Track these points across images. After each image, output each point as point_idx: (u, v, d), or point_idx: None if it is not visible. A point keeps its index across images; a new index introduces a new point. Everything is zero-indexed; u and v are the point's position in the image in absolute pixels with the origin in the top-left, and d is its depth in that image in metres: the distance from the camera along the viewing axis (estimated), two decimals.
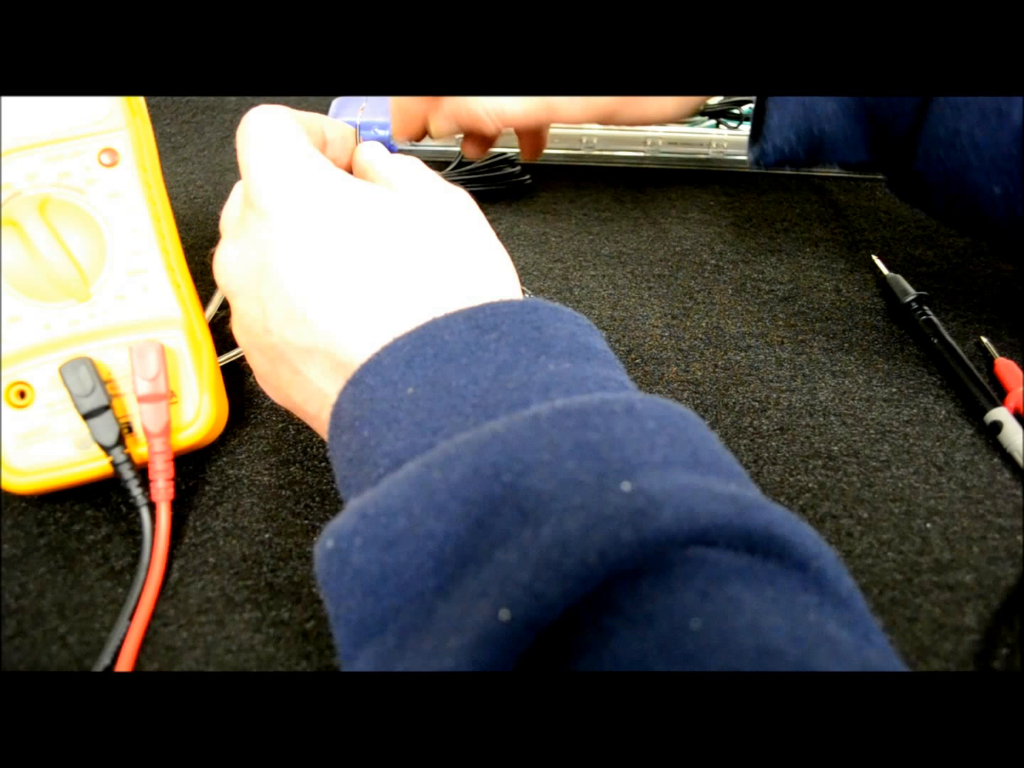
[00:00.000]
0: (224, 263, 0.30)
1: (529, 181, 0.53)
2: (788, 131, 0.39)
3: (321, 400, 0.28)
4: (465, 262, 0.27)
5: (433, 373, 0.24)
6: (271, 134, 0.29)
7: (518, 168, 0.53)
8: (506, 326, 0.25)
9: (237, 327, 0.30)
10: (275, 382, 0.30)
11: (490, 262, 0.28)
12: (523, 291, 0.29)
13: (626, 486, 0.20)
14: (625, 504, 0.19)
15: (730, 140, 0.55)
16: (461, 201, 0.29)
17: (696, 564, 0.19)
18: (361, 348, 0.26)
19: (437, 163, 0.50)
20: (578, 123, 0.40)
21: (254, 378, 0.41)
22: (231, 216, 0.32)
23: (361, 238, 0.27)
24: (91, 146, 0.34)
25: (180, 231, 0.37)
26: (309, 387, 0.28)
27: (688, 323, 0.45)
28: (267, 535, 0.34)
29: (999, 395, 0.40)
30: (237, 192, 0.32)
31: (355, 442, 0.25)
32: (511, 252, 0.29)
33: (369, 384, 0.25)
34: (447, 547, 0.20)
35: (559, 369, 0.24)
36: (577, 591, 0.18)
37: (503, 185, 0.53)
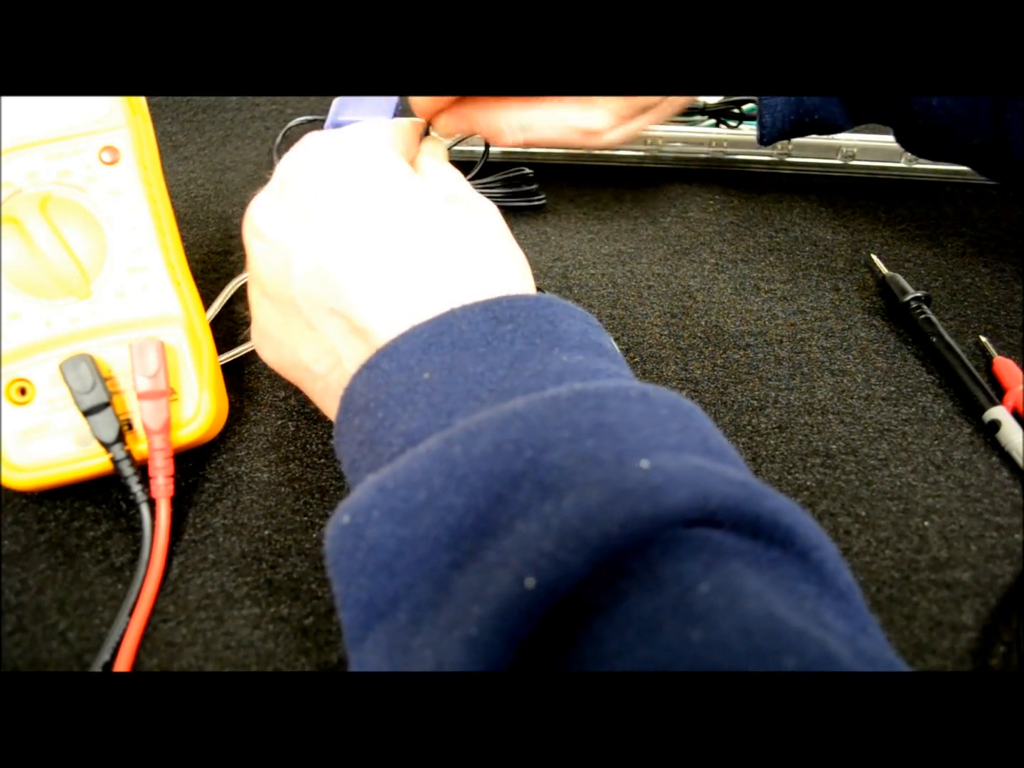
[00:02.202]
0: (257, 212, 0.30)
1: (543, 201, 0.53)
2: (782, 124, 0.44)
3: (333, 359, 0.28)
4: (488, 261, 0.28)
5: (450, 360, 0.25)
6: (361, 130, 0.31)
7: (535, 186, 0.53)
8: (522, 318, 0.26)
9: (253, 275, 0.31)
10: (281, 336, 0.30)
11: (509, 263, 0.29)
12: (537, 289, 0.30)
13: (644, 464, 0.20)
14: (644, 480, 0.20)
15: (730, 139, 0.55)
16: (488, 208, 0.31)
17: (701, 541, 0.20)
18: (381, 321, 0.26)
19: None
20: (611, 143, 0.41)
21: (254, 376, 0.41)
22: (285, 168, 0.31)
23: (393, 222, 0.28)
24: (92, 144, 0.34)
25: (180, 229, 0.37)
26: (323, 344, 0.28)
27: (687, 322, 0.45)
28: (266, 532, 0.34)
29: (998, 394, 0.40)
30: (307, 145, 0.31)
31: (368, 423, 0.25)
32: None
33: (385, 368, 0.25)
34: (466, 521, 0.21)
35: (572, 361, 0.25)
36: (596, 560, 0.19)
37: (517, 201, 0.53)
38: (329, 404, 0.30)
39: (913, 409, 0.40)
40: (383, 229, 0.28)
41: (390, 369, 0.25)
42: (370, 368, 0.26)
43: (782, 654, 0.17)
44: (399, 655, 0.20)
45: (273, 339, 0.30)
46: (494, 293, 0.27)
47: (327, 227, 0.28)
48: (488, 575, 0.19)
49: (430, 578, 0.21)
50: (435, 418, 0.24)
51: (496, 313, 0.26)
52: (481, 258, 0.28)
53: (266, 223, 0.29)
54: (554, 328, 0.26)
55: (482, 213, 0.30)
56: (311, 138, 0.31)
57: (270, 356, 0.31)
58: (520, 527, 0.20)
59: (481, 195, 0.32)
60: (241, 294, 0.44)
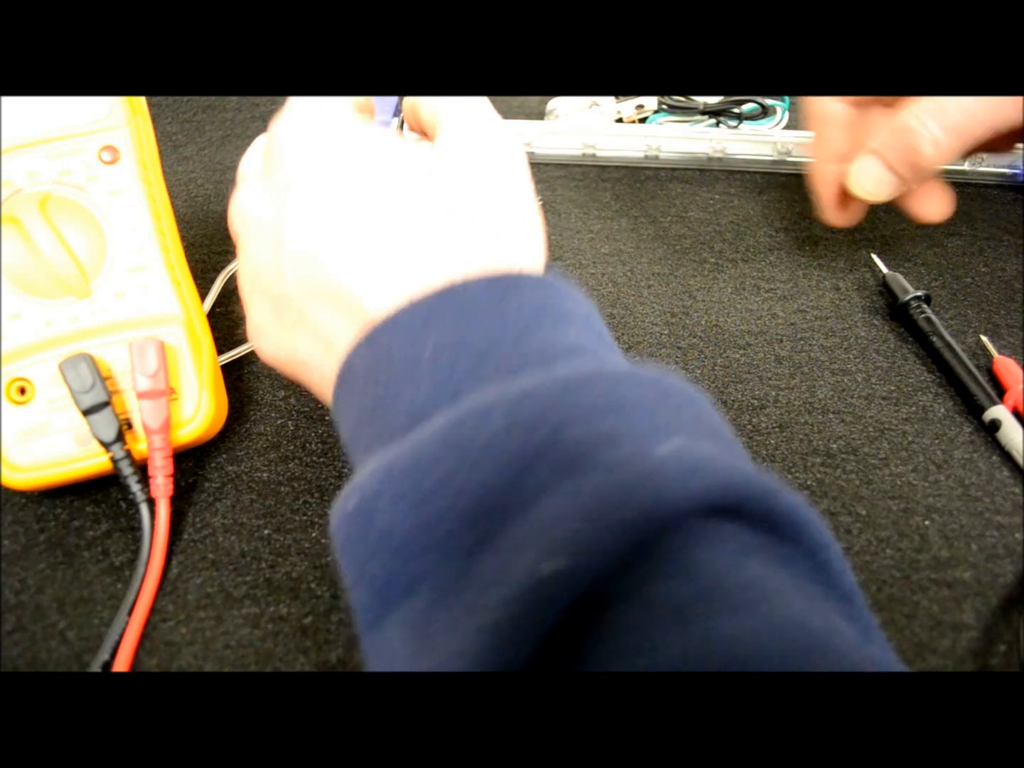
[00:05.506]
0: (241, 203, 0.30)
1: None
2: None
3: (326, 346, 0.27)
4: (491, 228, 0.27)
5: (452, 334, 0.24)
6: (309, 102, 0.29)
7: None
8: (526, 296, 0.25)
9: (244, 270, 0.30)
10: (277, 333, 0.29)
11: (517, 230, 0.28)
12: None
13: (666, 447, 0.20)
14: (668, 465, 0.19)
15: (730, 139, 0.55)
16: (506, 160, 0.28)
17: (726, 533, 0.20)
18: (373, 296, 0.25)
19: None
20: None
21: (253, 376, 0.41)
22: (250, 165, 0.31)
23: (383, 190, 0.26)
24: (92, 144, 0.34)
25: (180, 229, 0.37)
26: (317, 332, 0.27)
27: (687, 321, 0.45)
28: (266, 531, 0.34)
29: (998, 393, 0.40)
30: (259, 143, 0.31)
31: (368, 400, 0.24)
32: None
33: (384, 343, 0.24)
34: (483, 503, 0.20)
35: (578, 341, 0.24)
36: (616, 547, 0.18)
37: None
38: (327, 393, 0.29)
39: (913, 408, 0.40)
40: (370, 200, 0.26)
41: (390, 343, 0.24)
42: (368, 343, 0.24)
43: (811, 653, 0.17)
44: (416, 642, 0.20)
45: (271, 337, 0.30)
46: (496, 265, 0.26)
47: (311, 204, 0.27)
48: (507, 558, 0.19)
49: (449, 561, 0.20)
50: (439, 396, 0.23)
51: (500, 289, 0.25)
52: (481, 230, 0.26)
53: (251, 209, 0.29)
54: (559, 309, 0.25)
55: (493, 175, 0.27)
56: (283, 121, 0.29)
57: (267, 352, 0.31)
58: (537, 511, 0.19)
59: (508, 142, 0.28)
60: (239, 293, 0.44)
